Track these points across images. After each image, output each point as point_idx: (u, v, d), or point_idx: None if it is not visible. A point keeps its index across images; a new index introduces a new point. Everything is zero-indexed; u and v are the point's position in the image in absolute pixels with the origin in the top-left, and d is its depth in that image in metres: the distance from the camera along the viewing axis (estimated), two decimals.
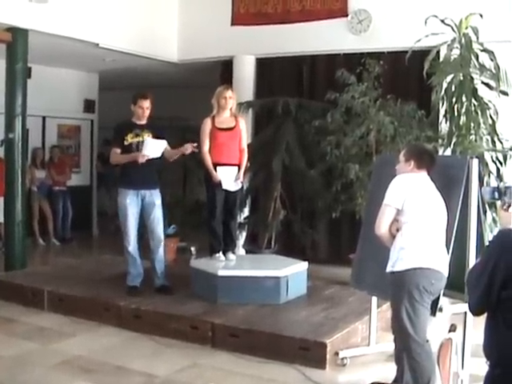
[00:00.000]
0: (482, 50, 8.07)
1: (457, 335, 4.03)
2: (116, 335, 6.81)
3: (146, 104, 7.54)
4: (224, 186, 7.58)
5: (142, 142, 7.45)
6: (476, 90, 8.11)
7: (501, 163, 8.07)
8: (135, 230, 7.59)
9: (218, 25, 10.91)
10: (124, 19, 10.25)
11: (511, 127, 8.18)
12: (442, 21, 8.10)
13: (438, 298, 4.90)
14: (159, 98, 7.95)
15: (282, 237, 9.97)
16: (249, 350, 6.17)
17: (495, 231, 4.84)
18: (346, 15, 9.93)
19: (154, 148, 7.38)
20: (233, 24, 10.93)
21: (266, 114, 10.43)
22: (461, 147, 7.97)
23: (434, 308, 4.91)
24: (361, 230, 6.24)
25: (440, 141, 8.36)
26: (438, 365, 3.66)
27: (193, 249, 9.87)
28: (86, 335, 6.79)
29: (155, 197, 7.61)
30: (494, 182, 7.81)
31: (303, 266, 7.80)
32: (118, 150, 7.55)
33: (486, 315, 3.05)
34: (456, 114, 8.10)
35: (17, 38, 8.86)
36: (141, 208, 7.56)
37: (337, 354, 5.96)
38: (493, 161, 8.09)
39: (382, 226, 4.86)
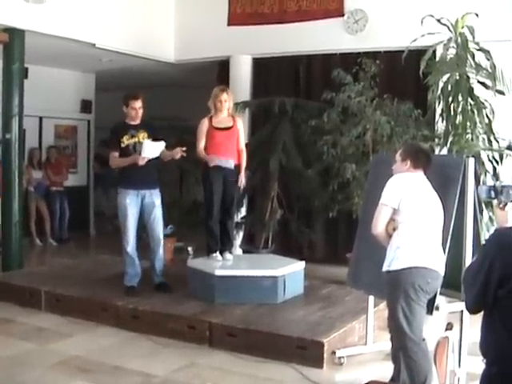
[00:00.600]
0: (478, 50, 8.09)
1: (453, 334, 4.04)
2: (113, 335, 6.80)
3: (138, 104, 7.53)
4: (218, 163, 7.56)
5: (139, 142, 7.45)
6: (472, 89, 8.13)
7: (497, 162, 8.09)
8: (134, 230, 7.60)
9: (214, 25, 10.92)
10: (120, 19, 10.25)
11: (507, 126, 8.19)
12: (438, 20, 8.12)
13: (435, 296, 4.91)
14: (156, 98, 7.97)
15: (279, 236, 9.98)
16: (246, 350, 6.17)
17: (492, 230, 4.86)
18: (342, 15, 9.95)
19: (152, 150, 7.39)
20: (229, 24, 10.94)
21: (262, 114, 10.45)
22: (457, 146, 7.99)
23: (431, 307, 4.92)
24: (357, 230, 6.25)
25: (436, 140, 8.38)
26: (435, 363, 3.67)
27: (190, 249, 9.88)
28: (83, 335, 6.78)
29: (155, 197, 7.62)
30: (490, 181, 7.82)
31: (300, 265, 7.81)
32: (116, 154, 7.55)
33: (482, 313, 3.06)
34: (452, 113, 8.12)
35: (14, 38, 8.86)
36: (140, 208, 7.57)
37: (334, 353, 5.97)
38: (489, 160, 8.11)
39: (379, 226, 4.87)
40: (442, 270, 4.82)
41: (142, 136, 7.50)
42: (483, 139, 8.16)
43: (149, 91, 8.35)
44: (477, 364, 3.20)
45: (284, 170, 9.49)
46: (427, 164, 4.99)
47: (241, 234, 10.04)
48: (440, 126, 8.43)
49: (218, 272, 7.32)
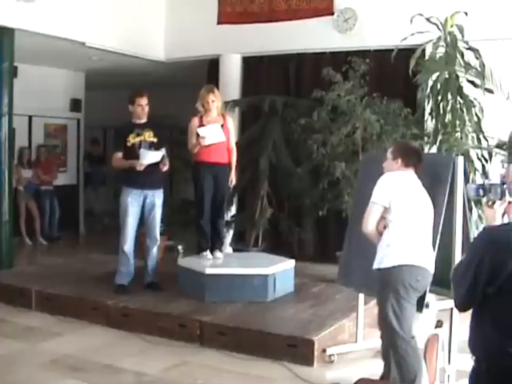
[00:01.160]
0: (467, 49, 8.13)
1: (443, 331, 4.06)
2: (104, 334, 6.81)
3: (144, 101, 7.58)
4: (207, 142, 7.58)
5: (145, 141, 7.50)
6: (461, 87, 8.17)
7: (486, 160, 8.13)
8: (134, 229, 7.63)
9: (204, 24, 10.91)
10: (110, 18, 10.22)
11: (496, 125, 8.22)
12: (428, 19, 8.15)
13: (425, 294, 4.94)
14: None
15: (269, 235, 10.00)
16: (237, 348, 6.19)
17: (481, 228, 4.89)
18: (332, 14, 9.94)
19: (150, 158, 7.41)
20: (219, 23, 10.93)
21: (252, 113, 10.47)
22: (446, 145, 8.02)
23: (421, 304, 4.95)
24: (347, 228, 6.28)
25: (426, 138, 8.41)
26: (425, 360, 3.69)
27: (180, 247, 9.88)
28: (73, 334, 6.78)
29: (157, 197, 7.65)
30: (479, 180, 7.85)
31: (290, 263, 7.83)
32: (120, 154, 7.55)
33: (471, 311, 3.08)
34: (442, 111, 8.16)
35: (3, 37, 8.82)
36: (141, 207, 7.60)
37: (324, 350, 6.00)
38: (478, 158, 8.16)
39: (369, 224, 4.89)
40: (431, 268, 4.84)
41: (148, 135, 7.54)
42: (472, 138, 8.20)
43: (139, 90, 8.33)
44: (466, 361, 3.22)
45: (274, 168, 9.51)
46: (418, 162, 5.02)
47: (231, 232, 10.04)
48: (429, 124, 8.46)
49: (209, 270, 7.33)
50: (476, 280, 2.94)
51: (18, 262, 9.59)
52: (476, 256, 2.97)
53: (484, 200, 3.27)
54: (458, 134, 8.12)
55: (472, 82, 8.17)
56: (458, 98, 8.11)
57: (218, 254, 7.93)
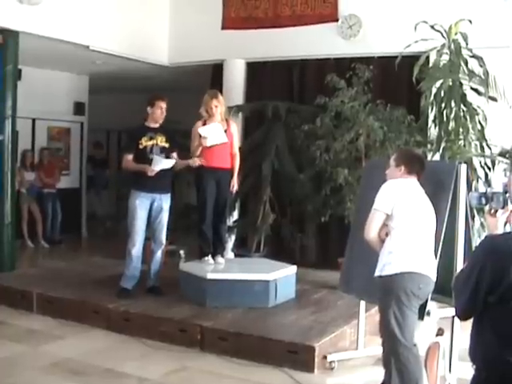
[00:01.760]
0: (471, 56, 8.13)
1: (444, 339, 4.07)
2: (105, 338, 6.81)
3: (165, 105, 7.63)
4: (209, 143, 7.59)
5: (156, 145, 7.54)
6: (465, 95, 8.17)
7: (489, 168, 8.13)
8: (142, 233, 7.65)
9: (208, 29, 10.92)
10: (115, 22, 10.25)
11: (500, 133, 8.22)
12: (432, 26, 8.15)
13: (426, 302, 4.93)
14: None
15: (271, 240, 9.98)
16: (237, 354, 6.18)
17: (483, 236, 4.88)
18: (336, 20, 9.95)
19: (162, 164, 7.45)
20: (223, 28, 10.93)
21: (255, 118, 10.46)
22: (449, 152, 8.01)
23: (422, 312, 4.94)
24: (349, 234, 6.27)
25: (429, 146, 8.40)
26: (426, 368, 3.70)
27: (182, 252, 9.87)
28: (75, 338, 6.78)
29: (164, 201, 7.67)
30: (482, 188, 7.84)
31: (292, 269, 7.82)
32: (130, 157, 7.59)
33: (472, 319, 3.07)
34: (445, 119, 8.15)
35: (7, 39, 8.83)
36: (149, 210, 7.61)
37: (325, 357, 5.99)
38: (481, 166, 8.15)
39: (372, 231, 4.89)
40: (433, 276, 4.84)
41: (160, 139, 7.58)
42: (475, 145, 8.20)
43: (142, 94, 8.35)
44: (467, 370, 3.21)
45: (277, 174, 9.50)
46: (421, 170, 5.01)
47: (233, 237, 10.04)
48: (433, 132, 8.45)
49: (210, 275, 7.33)
50: (477, 288, 2.93)
51: (20, 264, 9.59)
52: (478, 264, 2.96)
53: (486, 208, 3.26)
54: (462, 142, 8.12)
55: (476, 90, 8.17)
56: (462, 106, 8.11)
57: (219, 259, 7.94)
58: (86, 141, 14.05)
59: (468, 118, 8.09)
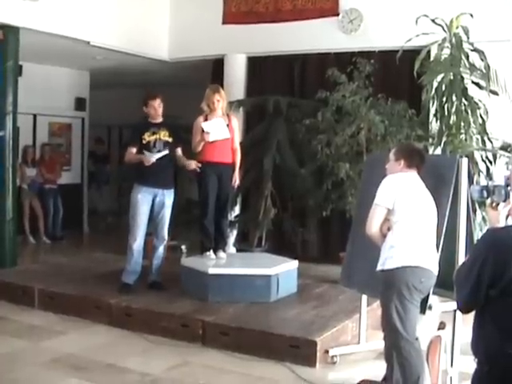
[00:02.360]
0: (472, 50, 8.12)
1: (446, 333, 4.06)
2: (107, 333, 6.82)
3: (157, 102, 7.66)
4: (212, 138, 7.60)
5: (160, 140, 7.59)
6: (466, 89, 8.16)
7: (490, 162, 8.12)
8: (144, 228, 7.67)
9: (209, 23, 10.91)
10: (115, 17, 10.23)
11: (501, 126, 8.21)
12: (433, 20, 8.13)
13: (428, 296, 4.92)
14: None
15: (273, 235, 9.97)
16: (239, 348, 6.19)
17: (484, 230, 4.87)
18: (337, 14, 9.93)
19: (157, 155, 7.51)
20: (224, 22, 10.92)
21: (256, 113, 10.45)
22: (451, 146, 8.01)
23: (424, 306, 4.94)
24: (351, 229, 6.27)
25: (430, 140, 8.39)
26: (428, 362, 3.68)
27: (183, 247, 9.88)
28: (76, 333, 6.79)
29: (167, 197, 7.70)
30: (483, 181, 7.84)
31: (294, 264, 7.83)
32: (134, 150, 7.65)
33: (474, 313, 3.07)
34: (446, 113, 8.14)
35: (8, 35, 8.83)
36: (151, 205, 7.62)
37: (327, 351, 5.99)
38: (483, 160, 8.14)
39: (373, 226, 4.88)
40: (435, 270, 4.83)
41: (163, 134, 7.64)
42: (477, 139, 8.19)
43: (143, 89, 8.36)
44: (469, 363, 3.21)
45: (278, 168, 9.50)
46: (421, 164, 5.01)
47: (234, 232, 10.04)
48: (434, 125, 8.45)
49: (212, 270, 7.33)
50: (479, 281, 2.93)
51: (22, 260, 9.59)
52: (479, 257, 2.96)
53: (488, 202, 3.26)
54: (463, 136, 8.11)
55: (477, 84, 8.16)
56: (463, 100, 8.10)
57: (221, 254, 7.93)
58: (87, 136, 14.05)
59: (469, 111, 8.09)
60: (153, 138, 7.58)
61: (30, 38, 9.01)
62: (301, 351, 5.97)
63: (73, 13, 9.50)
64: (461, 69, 8.12)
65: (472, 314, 3.08)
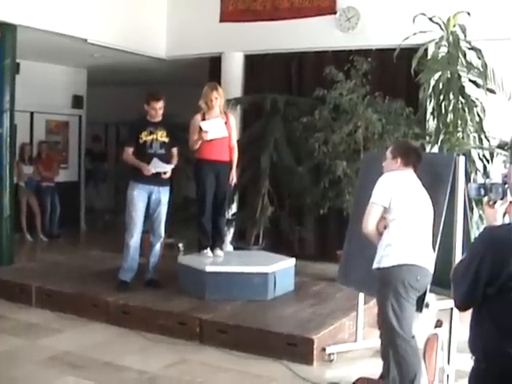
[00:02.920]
0: (469, 48, 8.13)
1: (443, 331, 4.06)
2: (104, 331, 6.82)
3: (159, 105, 7.64)
4: (210, 137, 7.59)
5: (156, 140, 7.58)
6: (463, 87, 8.17)
7: (488, 161, 8.13)
8: (140, 224, 7.68)
9: (206, 21, 10.91)
10: (112, 15, 10.23)
11: (498, 125, 8.22)
12: (430, 19, 8.14)
13: (425, 294, 4.93)
14: None
15: (270, 233, 9.98)
16: (237, 346, 6.19)
17: (482, 228, 4.88)
18: (335, 12, 9.94)
19: (160, 168, 7.53)
20: (221, 20, 10.92)
21: (254, 111, 10.45)
22: (448, 144, 8.02)
23: (420, 304, 4.94)
24: (348, 227, 6.27)
25: (427, 138, 8.41)
26: (424, 360, 3.70)
27: (180, 245, 9.87)
28: (73, 331, 6.79)
29: (163, 194, 7.70)
30: (480, 180, 7.85)
31: (291, 262, 7.83)
32: (131, 150, 7.64)
33: (471, 311, 3.07)
34: (443, 111, 8.16)
35: (5, 33, 8.82)
36: (147, 203, 7.62)
37: (324, 349, 6.00)
38: (480, 158, 8.16)
39: (369, 224, 4.88)
40: (431, 268, 4.84)
41: (161, 134, 7.63)
42: (474, 137, 8.20)
43: (140, 87, 8.36)
44: (466, 361, 3.21)
45: (275, 166, 9.50)
46: (417, 162, 5.01)
47: (232, 230, 10.04)
48: (431, 124, 8.46)
49: (209, 268, 7.33)
50: (476, 279, 2.93)
51: (19, 258, 9.61)
52: (477, 255, 2.96)
53: (485, 199, 3.26)
54: (460, 134, 8.12)
55: (474, 82, 8.17)
56: (460, 98, 8.11)
57: (218, 251, 7.93)
58: (85, 134, 14.05)
59: (466, 110, 8.10)
60: (150, 137, 7.57)
61: (27, 35, 9.00)
62: (298, 349, 5.98)
63: (70, 10, 9.49)
64: (458, 67, 8.13)
65: (469, 312, 3.09)
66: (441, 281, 4.90)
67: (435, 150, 8.08)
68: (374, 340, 5.55)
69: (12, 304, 7.62)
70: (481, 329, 3.00)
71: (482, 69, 7.95)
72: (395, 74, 9.47)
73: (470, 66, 8.09)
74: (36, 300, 7.64)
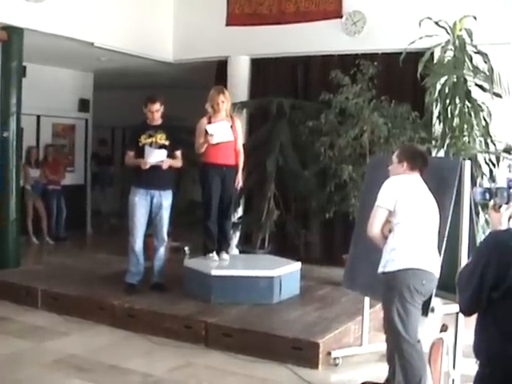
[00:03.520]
0: (475, 52, 8.12)
1: (448, 335, 4.06)
2: (110, 334, 6.82)
3: (155, 107, 7.63)
4: (215, 140, 7.59)
5: (155, 143, 7.59)
6: (469, 91, 8.16)
7: (494, 165, 8.12)
8: (143, 229, 7.70)
9: (213, 25, 10.93)
10: (119, 19, 10.25)
11: (504, 129, 8.21)
12: (436, 23, 8.15)
13: (430, 298, 4.92)
14: None
15: (276, 237, 9.98)
16: (242, 350, 6.19)
17: (487, 232, 4.89)
18: (341, 16, 9.95)
19: (154, 156, 7.50)
20: (228, 24, 10.94)
21: (260, 115, 10.45)
22: (454, 149, 8.01)
23: (426, 308, 4.93)
24: (354, 231, 6.27)
25: (433, 142, 8.40)
26: (430, 365, 3.70)
27: (186, 248, 9.87)
28: (79, 334, 6.79)
29: (164, 198, 7.69)
30: (486, 184, 7.84)
31: (296, 266, 7.83)
32: (132, 153, 7.68)
33: (476, 315, 3.07)
34: (449, 115, 8.15)
35: (12, 36, 8.85)
36: (149, 207, 7.63)
37: (329, 353, 5.99)
38: (486, 162, 8.15)
39: (374, 228, 4.88)
40: (437, 272, 4.83)
41: (160, 137, 7.62)
42: (480, 142, 8.19)
43: (147, 91, 8.36)
44: (471, 366, 3.21)
45: (281, 170, 9.50)
46: (424, 166, 5.01)
47: (237, 234, 10.04)
48: (437, 128, 8.45)
49: (215, 272, 7.33)
50: (482, 284, 2.93)
51: (25, 261, 9.61)
52: (482, 260, 2.96)
53: (490, 204, 3.26)
54: (466, 138, 8.11)
55: (480, 86, 8.16)
56: (466, 102, 8.10)
57: (224, 255, 7.93)
58: (91, 137, 14.07)
59: (472, 114, 8.09)
60: (148, 140, 7.57)
61: (34, 38, 9.03)
62: (303, 353, 5.97)
63: (77, 14, 9.52)
64: (464, 71, 8.13)
65: (474, 317, 3.09)
66: (446, 285, 4.90)
67: (441, 154, 8.08)
68: (380, 344, 5.55)
69: (18, 306, 7.63)
70: (485, 333, 3.00)
71: (488, 73, 7.95)
72: (401, 78, 9.46)
73: (476, 70, 8.09)
74: (42, 303, 7.65)
